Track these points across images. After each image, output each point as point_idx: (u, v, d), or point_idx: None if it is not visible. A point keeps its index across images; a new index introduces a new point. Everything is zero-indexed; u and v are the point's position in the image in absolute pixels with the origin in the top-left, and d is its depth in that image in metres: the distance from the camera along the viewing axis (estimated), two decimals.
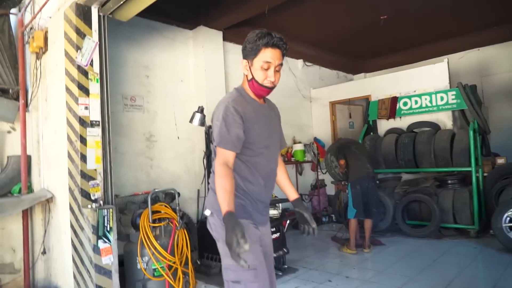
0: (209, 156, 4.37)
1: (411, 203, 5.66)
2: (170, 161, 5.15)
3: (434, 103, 6.14)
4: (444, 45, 7.67)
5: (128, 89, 4.78)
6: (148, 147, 4.91)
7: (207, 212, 1.86)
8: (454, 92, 5.91)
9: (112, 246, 2.80)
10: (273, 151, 1.93)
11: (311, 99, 7.91)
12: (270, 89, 1.82)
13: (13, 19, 3.73)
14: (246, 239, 1.44)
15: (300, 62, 7.59)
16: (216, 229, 1.83)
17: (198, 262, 4.12)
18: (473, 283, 3.63)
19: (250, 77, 1.81)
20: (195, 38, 5.53)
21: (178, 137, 5.25)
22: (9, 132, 3.68)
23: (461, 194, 5.37)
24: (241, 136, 1.73)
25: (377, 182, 4.94)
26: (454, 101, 5.93)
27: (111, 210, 2.81)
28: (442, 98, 6.06)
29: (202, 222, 4.39)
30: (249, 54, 1.79)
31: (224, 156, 1.70)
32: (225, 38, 5.88)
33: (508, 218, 4.43)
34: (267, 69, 1.76)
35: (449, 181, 5.68)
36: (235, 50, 6.25)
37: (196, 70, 5.51)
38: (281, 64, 1.80)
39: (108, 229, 2.78)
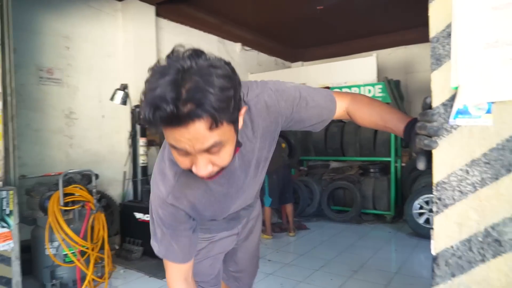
0: (134, 136, 4.16)
1: (337, 189, 5.94)
2: (93, 141, 4.81)
3: None
4: (376, 41, 8.05)
5: (45, 60, 4.34)
6: (67, 125, 4.53)
7: None
8: (380, 86, 6.24)
9: (12, 231, 2.55)
10: (248, 189, 1.32)
11: None
12: (211, 177, 0.97)
13: None
14: None
15: (238, 45, 7.49)
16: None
17: (116, 247, 3.94)
18: (384, 264, 3.92)
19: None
20: (124, 11, 5.16)
21: (103, 116, 4.91)
22: None
23: (381, 182, 5.74)
24: (195, 240, 1.20)
25: (290, 169, 5.23)
26: (380, 94, 6.26)
27: (11, 192, 2.54)
28: (369, 91, 6.36)
29: (125, 205, 4.21)
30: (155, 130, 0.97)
31: (179, 271, 1.18)
32: (158, 14, 5.57)
33: (418, 205, 4.83)
34: (186, 157, 0.91)
35: (371, 170, 6.04)
36: (170, 27, 5.97)
37: (125, 45, 5.16)
38: (222, 139, 0.88)
39: (8, 212, 2.51)
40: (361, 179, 5.93)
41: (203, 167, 0.90)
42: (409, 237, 4.85)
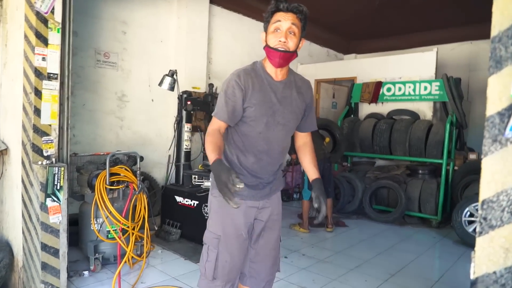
0: (179, 122, 4.26)
1: (380, 188, 5.71)
2: (142, 123, 5.02)
3: (417, 92, 6.09)
4: (437, 34, 7.54)
5: (102, 44, 4.56)
6: (119, 107, 4.76)
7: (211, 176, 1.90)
8: (438, 83, 5.85)
9: (62, 206, 2.72)
10: (277, 131, 1.81)
11: None
12: (282, 53, 1.69)
13: None
14: (239, 179, 1.43)
15: None
16: (210, 197, 1.92)
17: (156, 228, 4.10)
18: (425, 270, 3.72)
19: (264, 44, 1.77)
20: None
21: (152, 100, 5.09)
22: None
23: (429, 185, 5.43)
24: (238, 109, 1.73)
25: (332, 162, 5.09)
26: (437, 92, 5.88)
27: (62, 168, 2.71)
28: (425, 88, 6.00)
29: (167, 188, 4.35)
30: (265, 24, 1.78)
31: (218, 124, 1.73)
32: (212, 1, 5.62)
33: (469, 213, 4.51)
34: (277, 32, 1.70)
35: (420, 171, 5.73)
36: (223, 14, 6.01)
37: (178, 32, 5.28)
38: (296, 27, 1.70)
39: (58, 187, 2.69)
40: (408, 180, 5.65)
41: (285, 38, 1.69)
42: (455, 245, 4.56)
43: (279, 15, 1.70)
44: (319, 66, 7.65)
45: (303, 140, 2.02)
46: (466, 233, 4.45)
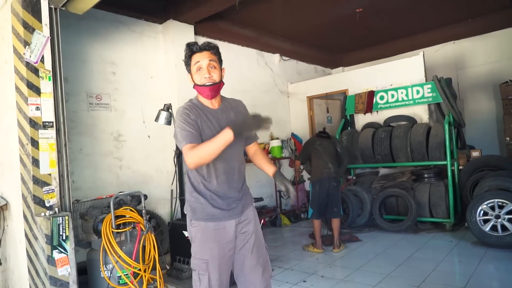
0: (178, 155, 4.20)
1: (388, 197, 5.63)
2: (141, 161, 4.95)
3: (410, 97, 6.11)
4: (420, 38, 7.68)
5: (93, 87, 4.55)
6: (116, 147, 4.70)
7: (185, 209, 2.12)
8: (429, 86, 5.89)
9: (69, 256, 2.62)
10: (229, 150, 1.95)
11: (288, 94, 7.80)
12: (212, 86, 1.97)
13: None
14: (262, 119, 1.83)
15: (276, 56, 7.46)
16: (188, 228, 2.08)
17: (167, 267, 3.96)
18: (449, 278, 3.60)
19: (193, 84, 2.04)
20: (165, 33, 5.32)
21: (148, 136, 5.05)
22: None
23: (437, 188, 5.36)
24: (199, 130, 1.94)
25: (339, 181, 4.89)
26: (430, 94, 5.91)
27: (66, 217, 2.63)
28: (418, 92, 6.03)
29: (174, 224, 4.23)
30: (187, 66, 2.05)
31: (189, 147, 1.88)
32: (197, 32, 5.69)
33: (482, 211, 4.43)
34: (200, 70, 1.97)
35: (425, 175, 5.67)
36: None
37: (167, 66, 5.30)
38: (214, 61, 1.99)
39: (64, 238, 2.60)
40: (415, 185, 5.58)
41: (208, 72, 1.96)
42: (474, 246, 4.45)
43: (196, 56, 1.98)
44: (309, 83, 7.70)
45: (253, 149, 2.28)
46: (484, 233, 4.35)
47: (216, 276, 1.97)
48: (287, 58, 7.74)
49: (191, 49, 1.99)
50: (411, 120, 6.09)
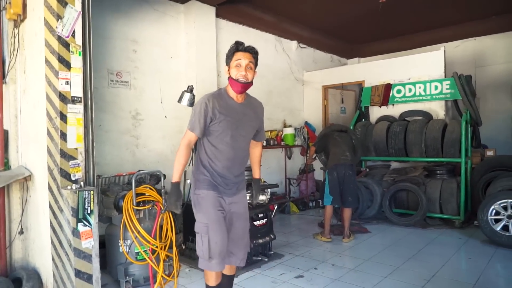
0: None
1: (399, 191, 5.65)
2: (157, 141, 4.99)
3: (428, 92, 6.07)
4: (440, 33, 7.55)
5: (115, 64, 4.55)
6: (134, 126, 4.73)
7: (190, 180, 2.67)
8: (448, 82, 5.83)
9: (93, 230, 2.68)
10: (240, 141, 2.40)
11: (303, 82, 7.76)
12: (244, 83, 2.29)
13: None
14: (180, 204, 2.35)
15: (294, 43, 7.39)
16: (193, 198, 2.45)
17: (183, 246, 4.03)
18: (459, 274, 3.65)
19: (228, 76, 2.33)
20: (186, 13, 5.28)
21: (165, 116, 5.07)
22: None
23: (449, 185, 5.37)
24: (206, 126, 2.30)
25: (355, 171, 4.88)
26: (448, 91, 5.86)
27: (92, 192, 2.67)
28: (436, 87, 5.98)
29: (188, 204, 4.28)
30: (227, 60, 2.34)
31: (189, 137, 2.33)
32: (218, 15, 5.64)
33: (494, 211, 4.45)
34: (239, 67, 2.27)
35: (438, 171, 5.67)
36: (229, 27, 6.03)
37: (187, 47, 5.28)
38: (252, 63, 2.31)
39: (89, 211, 2.65)
40: (427, 181, 5.59)
41: (245, 71, 2.27)
42: (483, 244, 4.48)
43: (239, 54, 2.29)
44: (326, 72, 7.65)
45: (255, 146, 2.70)
46: (494, 232, 4.38)
47: (215, 239, 2.30)
48: (304, 46, 7.67)
49: (237, 47, 2.30)
50: (427, 116, 6.06)
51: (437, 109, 6.11)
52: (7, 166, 3.37)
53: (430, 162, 5.86)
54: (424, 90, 6.10)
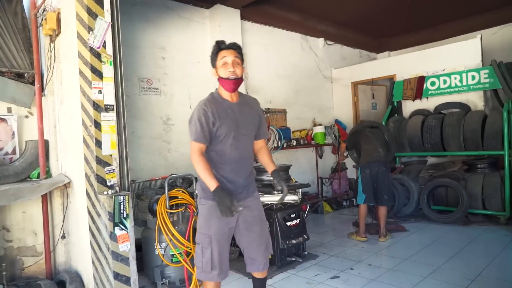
0: None
1: (437, 188, 5.43)
2: (188, 145, 4.97)
3: (464, 83, 5.79)
4: (475, 20, 7.18)
5: (145, 71, 4.68)
6: (165, 131, 4.84)
7: (196, 189, 2.57)
8: (487, 71, 5.54)
9: (129, 233, 2.75)
10: (243, 141, 2.33)
11: (332, 79, 7.64)
12: (235, 80, 2.23)
13: (26, 1, 3.64)
14: (239, 204, 2.08)
15: (321, 41, 7.29)
16: (200, 208, 2.38)
17: None
18: (506, 274, 3.44)
19: (217, 77, 2.27)
20: (212, 18, 5.34)
21: None
22: (26, 116, 3.65)
23: (492, 179, 5.09)
24: (210, 131, 2.21)
25: (389, 167, 4.73)
26: (487, 80, 5.56)
27: (127, 196, 2.75)
28: (473, 77, 5.70)
29: None
30: (212, 61, 2.31)
31: (198, 148, 2.22)
32: (243, 17, 5.66)
33: None
34: (226, 65, 2.22)
35: (479, 165, 5.39)
36: (254, 29, 6.04)
37: None
38: (239, 59, 2.26)
39: (125, 215, 2.72)
40: (467, 176, 5.33)
41: (233, 67, 2.20)
42: None
43: (223, 52, 2.24)
44: (354, 68, 7.49)
45: (259, 145, 2.55)
46: None
47: (218, 251, 2.25)
48: (331, 43, 7.55)
49: (219, 46, 2.26)
50: (464, 108, 5.79)
51: (476, 100, 5.82)
52: (48, 174, 3.55)
53: (469, 156, 5.59)
54: (460, 80, 5.83)
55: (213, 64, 2.30)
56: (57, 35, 3.41)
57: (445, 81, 5.99)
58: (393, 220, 5.30)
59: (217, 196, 2.06)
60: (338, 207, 6.66)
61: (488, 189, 5.07)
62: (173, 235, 3.11)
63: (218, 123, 2.20)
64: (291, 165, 4.15)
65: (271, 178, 3.91)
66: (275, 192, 3.59)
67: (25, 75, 3.52)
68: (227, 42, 2.30)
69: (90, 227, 2.94)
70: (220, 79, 2.25)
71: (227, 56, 2.22)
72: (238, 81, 2.25)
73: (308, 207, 4.87)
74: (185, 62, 5.10)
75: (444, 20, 7.37)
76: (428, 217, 5.36)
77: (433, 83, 6.12)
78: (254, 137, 2.47)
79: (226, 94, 2.29)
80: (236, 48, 2.27)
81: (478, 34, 5.94)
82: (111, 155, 2.87)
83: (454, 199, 5.24)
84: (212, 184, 2.10)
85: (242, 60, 2.29)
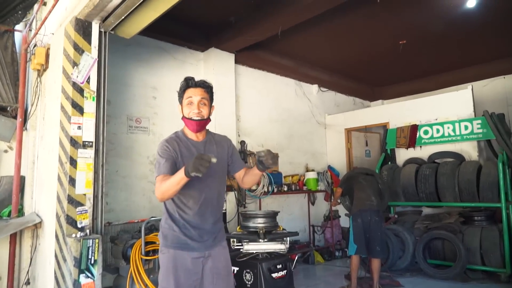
0: None
1: (433, 240, 5.18)
2: None
3: (457, 132, 5.76)
4: (466, 72, 7.35)
5: (134, 110, 4.62)
6: (151, 171, 4.68)
7: (158, 236, 2.18)
8: (479, 121, 5.53)
9: (96, 282, 2.51)
10: (209, 182, 2.08)
11: (325, 125, 7.63)
12: (199, 121, 2.07)
13: (18, 36, 3.65)
14: (212, 155, 1.74)
15: (315, 87, 7.37)
16: (160, 257, 2.10)
17: None
18: None
19: (181, 115, 2.14)
20: (206, 60, 5.40)
21: None
22: (5, 151, 3.52)
23: (490, 233, 4.88)
24: (174, 163, 2.01)
25: (383, 217, 4.53)
26: (480, 130, 5.53)
27: (97, 240, 2.54)
28: (466, 127, 5.68)
29: None
30: (179, 98, 2.15)
31: (161, 179, 1.95)
32: (237, 61, 5.73)
33: None
34: (191, 104, 2.07)
35: (476, 218, 5.20)
36: (248, 73, 6.09)
37: None
38: (206, 99, 2.10)
39: (92, 262, 2.50)
40: (464, 228, 5.11)
41: (198, 108, 2.05)
42: None
43: (190, 91, 2.09)
44: (348, 114, 7.51)
45: (242, 173, 2.26)
46: None
47: None
48: (325, 89, 7.63)
49: (187, 83, 2.11)
50: (458, 157, 5.71)
51: (469, 150, 5.76)
52: (21, 212, 3.35)
53: (465, 207, 5.41)
54: (454, 130, 5.80)
55: (180, 101, 2.15)
56: (44, 70, 3.38)
57: (438, 130, 5.96)
58: (388, 274, 5.00)
59: (191, 163, 1.73)
60: (330, 257, 6.34)
61: (486, 243, 4.85)
62: (146, 285, 2.85)
63: (180, 161, 2.01)
64: (278, 212, 3.95)
65: (257, 225, 3.79)
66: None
67: (8, 109, 3.44)
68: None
69: (55, 273, 2.70)
70: (184, 118, 2.12)
71: (193, 96, 2.07)
72: (203, 122, 2.09)
73: (297, 257, 4.60)
74: (176, 102, 5.03)
75: (436, 71, 7.54)
76: (425, 271, 5.06)
77: (426, 132, 6.09)
78: (231, 171, 2.26)
79: (190, 134, 2.14)
80: (205, 87, 2.11)
81: (470, 85, 6.01)
82: (85, 194, 2.70)
83: (451, 253, 4.99)
84: (180, 172, 1.81)
85: (211, 99, 2.14)
